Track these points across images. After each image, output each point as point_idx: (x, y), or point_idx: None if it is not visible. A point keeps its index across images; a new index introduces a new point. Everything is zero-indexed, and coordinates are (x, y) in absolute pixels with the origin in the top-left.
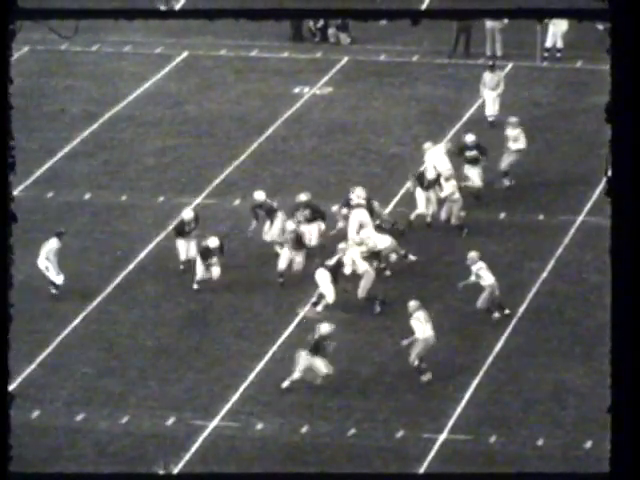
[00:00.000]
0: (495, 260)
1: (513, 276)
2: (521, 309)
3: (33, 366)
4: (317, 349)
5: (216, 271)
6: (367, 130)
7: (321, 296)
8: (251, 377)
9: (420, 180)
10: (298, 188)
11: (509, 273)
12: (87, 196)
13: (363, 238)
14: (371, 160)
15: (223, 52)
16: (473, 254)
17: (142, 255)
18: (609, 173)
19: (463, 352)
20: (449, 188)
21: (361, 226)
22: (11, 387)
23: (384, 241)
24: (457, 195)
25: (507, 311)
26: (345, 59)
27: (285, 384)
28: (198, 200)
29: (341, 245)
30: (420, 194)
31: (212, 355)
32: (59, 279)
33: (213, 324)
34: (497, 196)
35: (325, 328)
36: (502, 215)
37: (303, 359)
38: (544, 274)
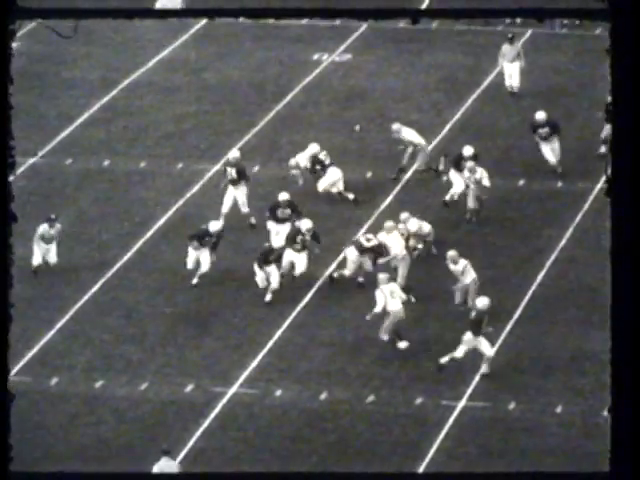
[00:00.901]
0: (514, 227)
1: (532, 243)
2: (540, 276)
3: (52, 333)
4: (478, 326)
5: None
6: (386, 97)
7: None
8: (270, 344)
9: (457, 161)
10: None
11: (528, 240)
12: (106, 163)
13: (406, 219)
14: (390, 127)
15: (242, 19)
16: (452, 253)
17: (161, 222)
18: (609, 173)
19: None
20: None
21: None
22: (30, 354)
23: (427, 226)
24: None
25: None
26: (364, 26)
27: (444, 360)
28: (216, 167)
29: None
30: (454, 175)
31: (231, 322)
32: (35, 260)
33: (232, 291)
34: (516, 162)
35: (483, 302)
36: (521, 182)
37: (467, 340)
38: (563, 241)
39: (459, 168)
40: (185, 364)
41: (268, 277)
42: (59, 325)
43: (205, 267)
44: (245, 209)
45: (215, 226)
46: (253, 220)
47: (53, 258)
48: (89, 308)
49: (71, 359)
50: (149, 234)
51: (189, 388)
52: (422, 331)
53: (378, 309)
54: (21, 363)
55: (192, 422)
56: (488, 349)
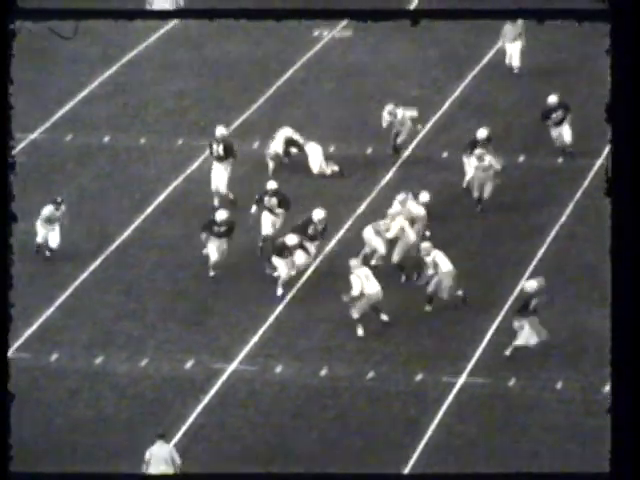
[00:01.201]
0: (514, 204)
1: (532, 220)
2: (540, 252)
3: (52, 309)
4: (527, 307)
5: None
6: (386, 73)
7: (374, 251)
8: (270, 320)
9: (471, 145)
10: (316, 130)
11: (528, 216)
12: (106, 139)
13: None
14: (390, 103)
15: None
16: (426, 245)
17: (161, 198)
18: (609, 173)
19: (482, 295)
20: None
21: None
22: (30, 330)
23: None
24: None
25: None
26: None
27: (507, 351)
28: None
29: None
30: (467, 160)
31: (231, 298)
32: (39, 239)
33: (232, 267)
34: (516, 139)
35: (531, 285)
36: (521, 158)
37: (519, 324)
38: (563, 218)
39: (473, 152)
40: (185, 340)
41: (277, 269)
42: (59, 301)
43: (214, 256)
44: (225, 189)
45: (222, 215)
46: (231, 196)
47: (55, 241)
48: (89, 284)
49: (71, 335)
50: (149, 210)
51: (189, 364)
52: (420, 309)
53: (355, 292)
54: (21, 339)
55: (192, 398)
56: (524, 337)
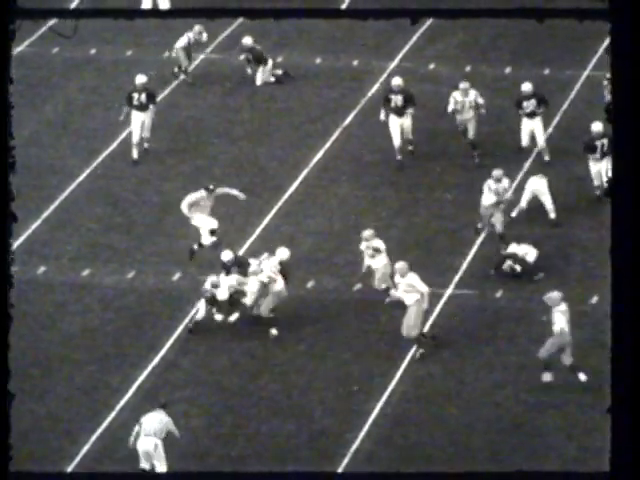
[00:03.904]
0: (502, 113)
1: (519, 130)
2: (527, 164)
3: (38, 222)
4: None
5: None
6: None
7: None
8: (257, 232)
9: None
10: (304, 43)
11: (515, 128)
12: (92, 51)
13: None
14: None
15: None
16: (368, 232)
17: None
18: (609, 173)
19: (469, 208)
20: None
21: None
22: (17, 243)
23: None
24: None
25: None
26: None
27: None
28: (202, 55)
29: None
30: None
31: (218, 211)
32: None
33: (219, 179)
34: (503, 50)
35: (532, 255)
36: (508, 70)
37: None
38: (550, 129)
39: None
40: (172, 253)
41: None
42: (46, 214)
43: (223, 294)
44: (148, 133)
45: (227, 256)
46: (146, 145)
47: None
48: (76, 197)
49: (58, 248)
50: None
51: (176, 277)
52: (408, 219)
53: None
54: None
55: (179, 311)
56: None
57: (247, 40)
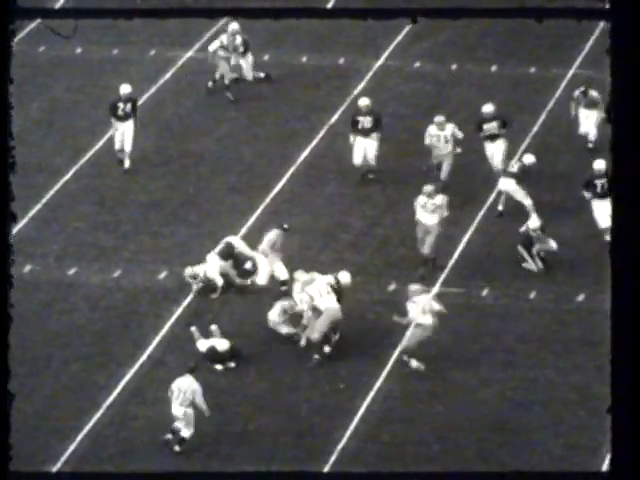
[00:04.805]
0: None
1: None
2: (513, 162)
3: (25, 220)
4: (530, 242)
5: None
6: None
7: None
8: (243, 231)
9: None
10: (290, 42)
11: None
12: (78, 50)
13: None
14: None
15: None
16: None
17: None
18: (609, 174)
19: (455, 207)
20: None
21: None
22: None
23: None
24: None
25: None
26: None
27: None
28: (189, 54)
29: None
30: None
31: (204, 209)
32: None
33: (206, 178)
34: (489, 49)
35: (534, 222)
36: (494, 68)
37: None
38: (535, 128)
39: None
40: (158, 251)
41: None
42: (32, 213)
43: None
44: (129, 147)
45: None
46: (127, 164)
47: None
48: (62, 195)
49: (44, 247)
50: None
51: (162, 275)
52: (394, 217)
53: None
54: None
55: (165, 309)
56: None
57: (234, 25)
